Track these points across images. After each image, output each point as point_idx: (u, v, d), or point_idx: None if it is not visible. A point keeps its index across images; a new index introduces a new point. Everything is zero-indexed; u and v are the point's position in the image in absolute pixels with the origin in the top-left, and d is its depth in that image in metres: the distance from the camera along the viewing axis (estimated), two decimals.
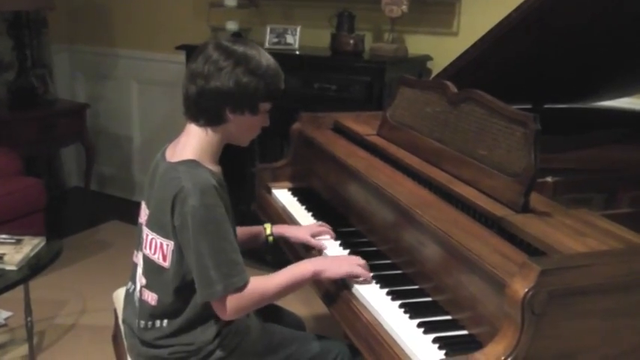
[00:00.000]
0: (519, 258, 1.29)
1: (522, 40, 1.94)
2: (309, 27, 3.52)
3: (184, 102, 1.62)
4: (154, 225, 1.63)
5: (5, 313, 3.02)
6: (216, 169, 1.64)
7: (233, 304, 1.54)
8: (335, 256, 1.74)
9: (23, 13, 4.14)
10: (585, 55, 2.07)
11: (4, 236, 2.55)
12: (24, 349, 2.74)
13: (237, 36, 3.51)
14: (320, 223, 1.99)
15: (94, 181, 4.65)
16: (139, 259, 1.70)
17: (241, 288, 1.53)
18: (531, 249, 1.35)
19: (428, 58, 3.32)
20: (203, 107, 1.59)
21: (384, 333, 1.48)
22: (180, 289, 1.60)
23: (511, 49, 1.98)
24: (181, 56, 3.55)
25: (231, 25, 3.65)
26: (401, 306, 1.54)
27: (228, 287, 1.52)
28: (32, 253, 2.46)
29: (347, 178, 2.05)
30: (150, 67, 4.36)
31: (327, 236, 1.92)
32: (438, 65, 3.16)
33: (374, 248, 1.84)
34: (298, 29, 3.47)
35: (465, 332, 1.43)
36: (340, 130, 2.32)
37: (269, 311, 1.92)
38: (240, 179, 3.38)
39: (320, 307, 2.45)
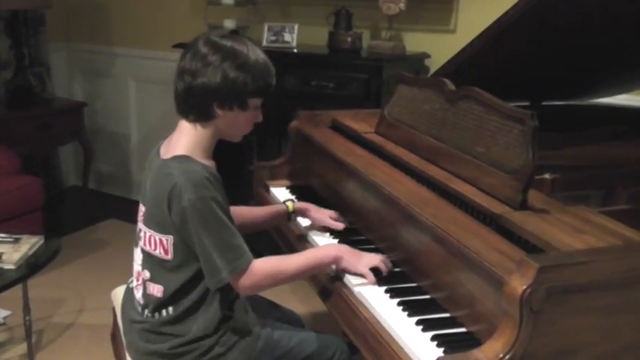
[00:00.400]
0: (517, 255, 1.29)
1: (520, 37, 1.94)
2: (306, 25, 3.52)
3: (175, 99, 1.64)
4: (150, 222, 1.64)
5: (4, 312, 3.02)
6: (209, 163, 1.64)
7: (247, 283, 1.58)
8: (359, 252, 1.73)
9: (20, 11, 4.13)
10: (583, 52, 2.06)
11: (2, 235, 2.54)
12: (22, 348, 2.74)
13: (234, 34, 3.51)
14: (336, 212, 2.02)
15: (92, 179, 4.64)
16: (138, 255, 1.71)
17: (246, 269, 1.57)
18: (529, 246, 1.36)
19: (425, 55, 3.31)
20: (191, 103, 1.60)
21: (382, 331, 1.48)
22: (184, 277, 1.61)
23: (509, 47, 1.98)
24: (179, 54, 3.51)
25: (229, 23, 3.65)
26: (399, 304, 1.54)
27: (233, 271, 1.55)
28: (30, 252, 2.46)
29: (345, 176, 2.05)
30: (147, 66, 4.36)
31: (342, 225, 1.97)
32: (435, 63, 3.16)
33: (372, 246, 1.84)
34: (296, 27, 3.47)
35: (463, 330, 1.44)
36: (338, 128, 2.31)
37: (267, 309, 1.93)
38: (238, 177, 3.38)
39: (318, 305, 2.45)
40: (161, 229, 1.61)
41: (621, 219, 1.43)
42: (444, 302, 1.53)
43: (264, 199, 2.35)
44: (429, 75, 2.82)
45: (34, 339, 2.76)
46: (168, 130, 1.70)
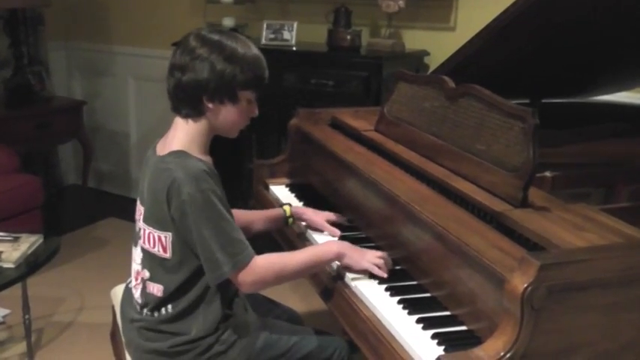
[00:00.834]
0: (518, 253, 1.28)
1: (520, 35, 1.93)
2: (305, 23, 3.51)
3: (168, 96, 1.63)
4: (150, 219, 1.64)
5: (3, 311, 3.02)
6: (206, 158, 1.64)
7: (248, 278, 1.56)
8: (361, 248, 1.73)
9: (20, 10, 4.12)
10: (583, 50, 2.06)
11: (1, 234, 2.54)
12: (22, 347, 2.74)
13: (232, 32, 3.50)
14: (335, 214, 2.01)
15: (92, 178, 4.64)
16: (137, 254, 1.70)
17: (248, 263, 1.55)
18: (530, 244, 1.35)
19: (425, 53, 3.31)
20: (181, 98, 1.60)
21: (382, 329, 1.47)
22: (183, 276, 1.61)
23: (509, 44, 1.98)
24: None
25: (228, 22, 3.65)
26: (400, 302, 1.54)
27: (235, 266, 1.54)
28: (30, 251, 2.45)
29: (345, 173, 2.05)
30: (147, 64, 4.35)
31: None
32: (435, 60, 3.16)
33: (372, 244, 1.84)
34: (295, 25, 3.46)
35: (464, 328, 1.43)
36: (338, 126, 2.31)
37: (267, 307, 1.93)
38: (237, 175, 3.38)
39: (318, 303, 2.45)
40: (160, 226, 1.60)
41: (622, 217, 1.43)
42: (444, 300, 1.52)
43: (264, 197, 2.34)
44: (429, 72, 2.82)
45: (33, 338, 2.76)
46: (167, 128, 1.70)
